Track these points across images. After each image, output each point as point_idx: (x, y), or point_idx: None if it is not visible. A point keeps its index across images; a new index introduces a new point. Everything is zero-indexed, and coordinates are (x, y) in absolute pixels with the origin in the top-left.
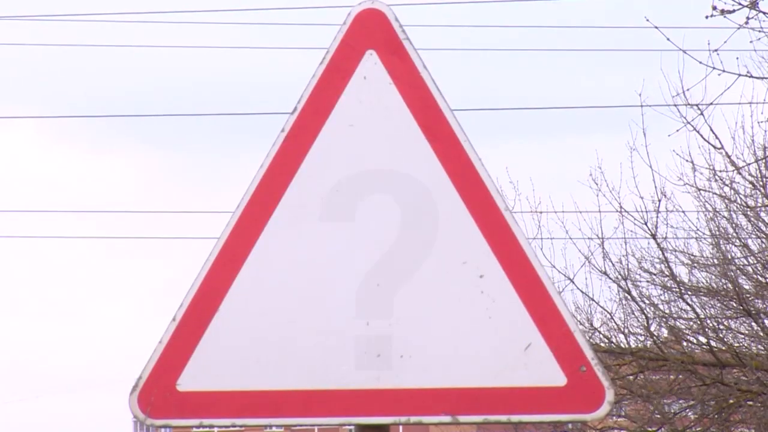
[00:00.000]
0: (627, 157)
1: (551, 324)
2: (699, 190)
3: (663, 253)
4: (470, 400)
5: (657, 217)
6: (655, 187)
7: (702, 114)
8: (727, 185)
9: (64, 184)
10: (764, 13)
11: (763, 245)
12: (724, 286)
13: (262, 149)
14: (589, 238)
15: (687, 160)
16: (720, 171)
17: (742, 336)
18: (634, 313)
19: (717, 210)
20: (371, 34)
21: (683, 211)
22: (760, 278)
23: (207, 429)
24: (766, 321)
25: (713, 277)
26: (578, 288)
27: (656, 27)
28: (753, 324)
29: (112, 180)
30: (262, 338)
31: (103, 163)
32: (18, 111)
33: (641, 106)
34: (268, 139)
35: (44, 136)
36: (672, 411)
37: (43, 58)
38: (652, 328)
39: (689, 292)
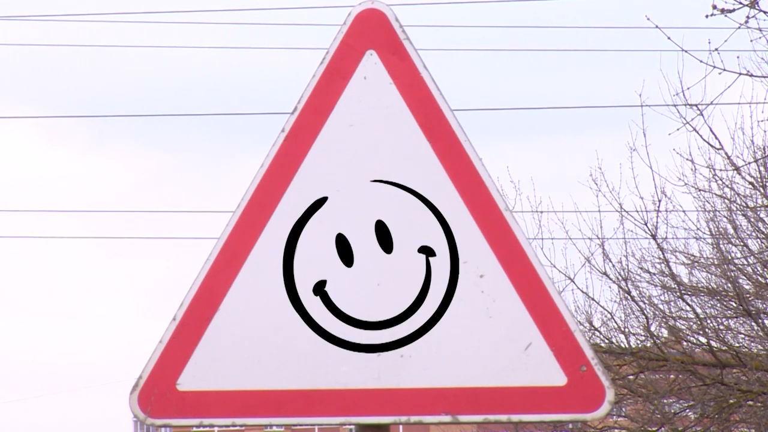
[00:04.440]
0: (627, 158)
1: (551, 324)
2: (699, 190)
3: (663, 253)
4: (470, 399)
5: (657, 217)
6: (655, 187)
7: (701, 114)
8: (727, 186)
9: (62, 184)
10: (765, 12)
11: (763, 245)
12: (724, 286)
13: (262, 149)
14: (589, 239)
15: (688, 159)
16: (720, 170)
17: (742, 336)
18: (634, 313)
19: (717, 210)
20: (371, 34)
21: (683, 211)
22: (760, 278)
23: (207, 429)
24: (766, 321)
25: (713, 277)
26: (578, 288)
27: (657, 26)
28: (753, 324)
29: (110, 180)
30: (262, 338)
31: (101, 163)
32: (15, 111)
33: (641, 106)
34: (268, 139)
35: (41, 136)
36: (672, 411)
37: (40, 57)
38: (652, 329)
39: (689, 292)
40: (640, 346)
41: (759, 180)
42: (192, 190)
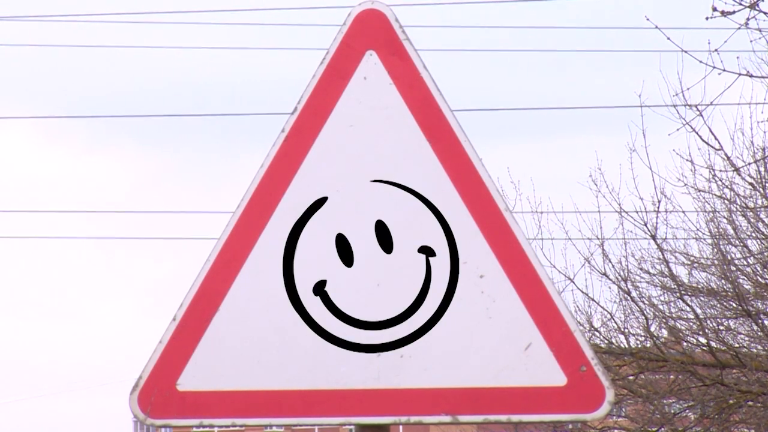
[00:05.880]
0: (626, 158)
1: (551, 324)
2: (699, 191)
3: (663, 254)
4: (470, 400)
5: (657, 217)
6: (655, 187)
7: (701, 115)
8: (726, 186)
9: (62, 184)
10: (765, 13)
11: (763, 246)
12: (724, 287)
13: (262, 149)
14: (588, 239)
15: (687, 160)
16: (720, 171)
17: (742, 336)
18: (634, 314)
19: (717, 211)
20: (371, 34)
21: (683, 212)
22: (760, 279)
23: (207, 429)
24: (765, 321)
25: (713, 277)
26: (578, 288)
27: (656, 27)
28: (753, 324)
29: (109, 180)
30: (262, 338)
31: (101, 163)
32: (14, 111)
33: (641, 106)
34: (268, 139)
35: (41, 136)
36: (672, 411)
37: (40, 57)
38: (652, 329)
39: (689, 293)
40: (639, 346)
41: (759, 181)
42: (192, 190)
